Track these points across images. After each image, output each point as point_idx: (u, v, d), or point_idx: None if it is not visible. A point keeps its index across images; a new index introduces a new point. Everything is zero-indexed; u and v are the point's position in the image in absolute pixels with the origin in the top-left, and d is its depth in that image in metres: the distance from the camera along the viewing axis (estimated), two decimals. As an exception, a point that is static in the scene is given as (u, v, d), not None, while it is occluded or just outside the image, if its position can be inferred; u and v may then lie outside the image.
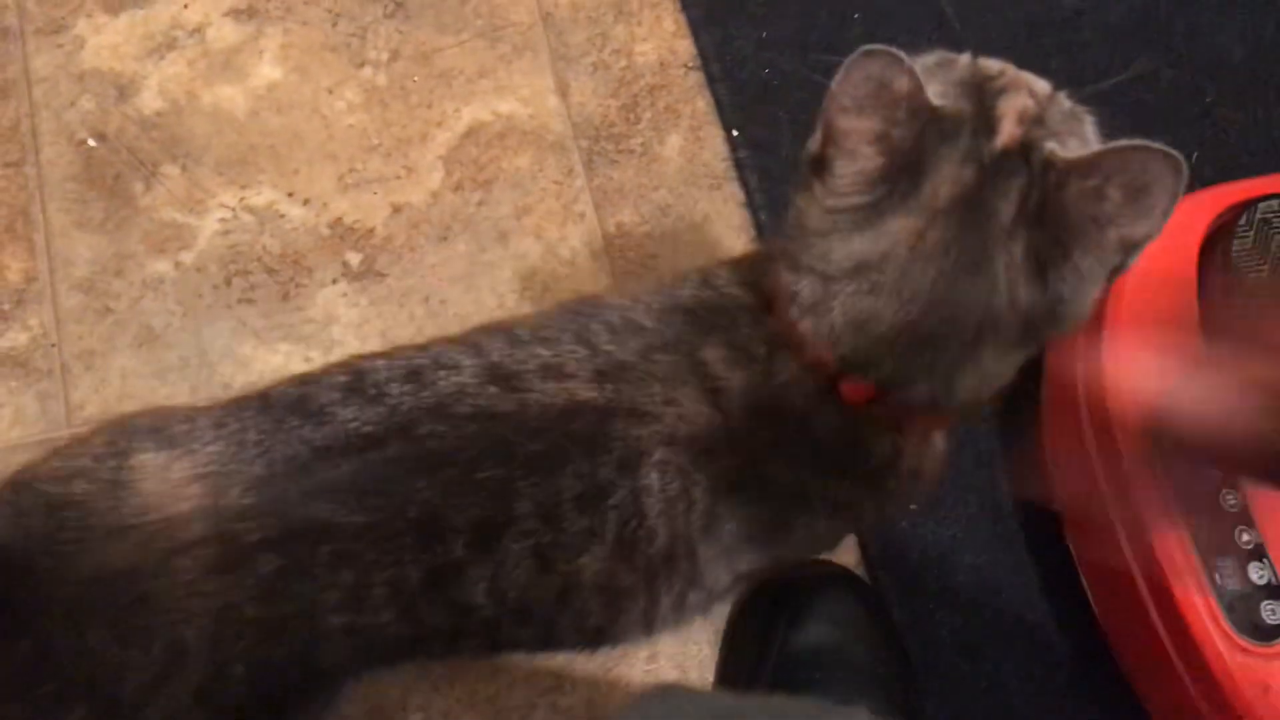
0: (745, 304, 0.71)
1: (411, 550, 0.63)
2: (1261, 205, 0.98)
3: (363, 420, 0.64)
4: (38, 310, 1.02)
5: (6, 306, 1.02)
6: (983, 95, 0.65)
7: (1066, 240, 0.62)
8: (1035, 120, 0.64)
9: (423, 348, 0.70)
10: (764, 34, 1.21)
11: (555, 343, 0.69)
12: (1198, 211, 0.98)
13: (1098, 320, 0.94)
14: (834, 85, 0.63)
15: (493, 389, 0.66)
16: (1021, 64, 1.25)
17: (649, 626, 0.70)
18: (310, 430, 0.64)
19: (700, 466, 0.67)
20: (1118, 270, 0.65)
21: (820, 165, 0.65)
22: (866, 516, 0.76)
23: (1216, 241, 0.97)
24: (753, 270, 0.73)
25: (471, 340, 0.70)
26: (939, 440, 0.76)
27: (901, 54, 0.62)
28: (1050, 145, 0.63)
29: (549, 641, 0.73)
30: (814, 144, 0.66)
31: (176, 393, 1.00)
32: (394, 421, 0.65)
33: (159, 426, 0.65)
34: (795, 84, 1.19)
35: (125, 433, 0.65)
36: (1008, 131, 0.63)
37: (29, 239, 1.04)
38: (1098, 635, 0.97)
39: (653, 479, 0.66)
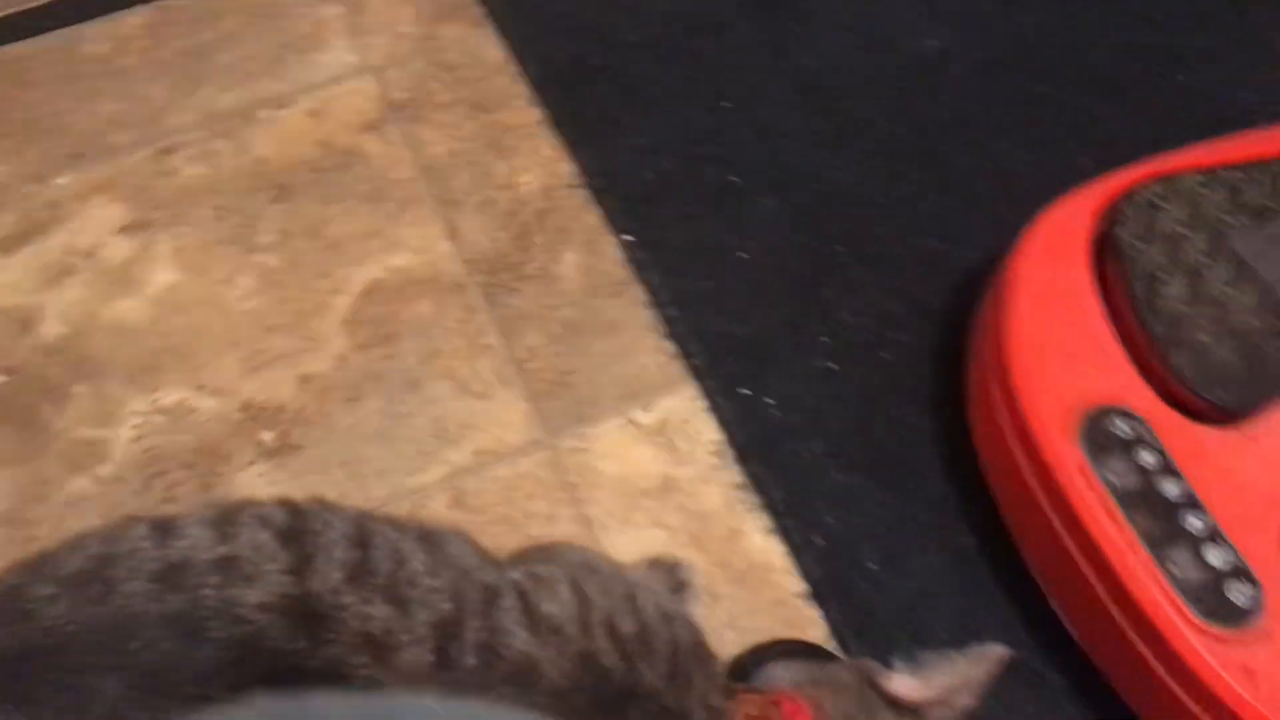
0: None
1: None
2: (1143, 190, 0.97)
3: (65, 619, 0.57)
4: (-35, 553, 1.02)
5: (-64, 556, 1.02)
6: None
7: None
8: None
9: (231, 525, 0.62)
10: (639, 140, 1.23)
11: None
12: (1079, 211, 0.98)
13: (999, 339, 0.92)
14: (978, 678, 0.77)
15: (281, 623, 0.58)
16: (900, 111, 1.27)
17: None
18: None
19: None
20: None
21: None
22: None
23: (1108, 237, 0.96)
24: None
25: (325, 538, 0.64)
26: None
27: None
28: None
29: None
30: (911, 693, 0.77)
31: (110, 606, 0.99)
32: (103, 625, 0.57)
33: None
34: (678, 179, 1.20)
35: None
36: None
37: (-50, 485, 1.05)
38: (1087, 658, 0.92)
39: None
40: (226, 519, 0.63)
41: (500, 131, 1.25)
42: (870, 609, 0.98)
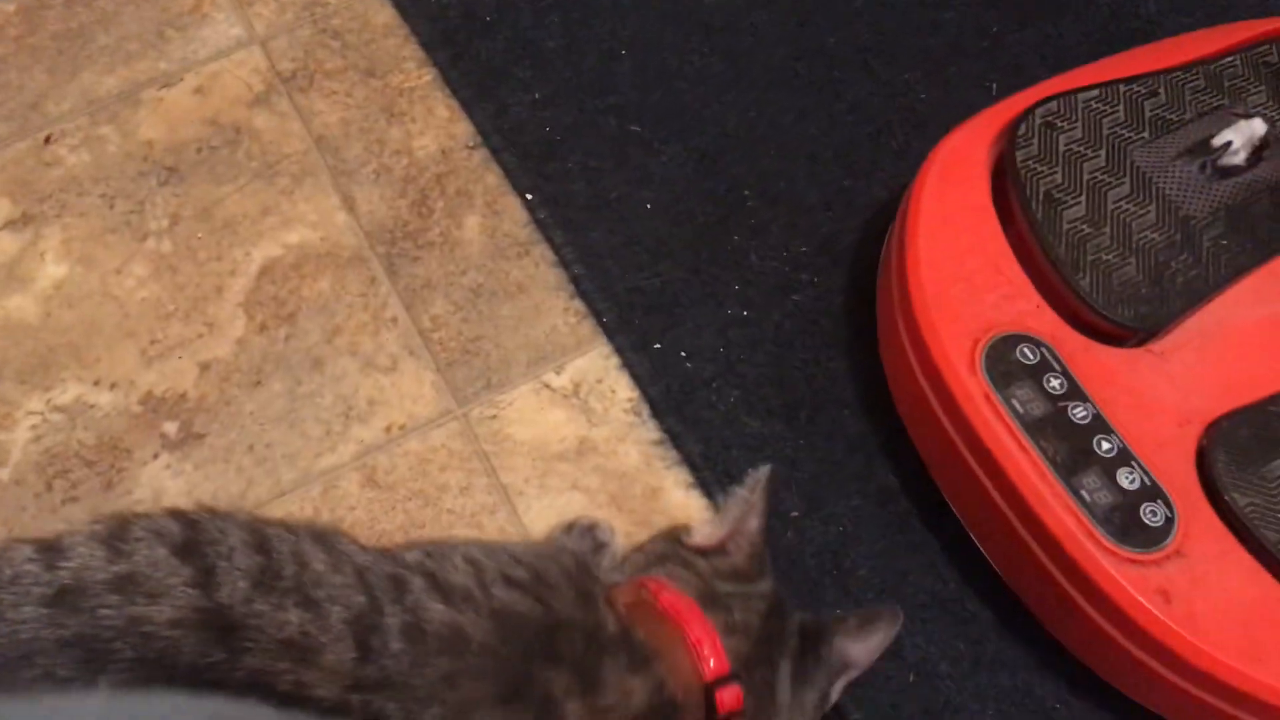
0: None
1: None
2: (1039, 110, 0.95)
3: None
4: None
5: None
6: None
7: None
8: None
9: (121, 544, 0.59)
10: (536, 95, 1.19)
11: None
12: (977, 137, 0.96)
13: (902, 273, 0.90)
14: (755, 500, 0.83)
15: (198, 636, 0.57)
16: (801, 46, 1.24)
17: None
18: None
19: None
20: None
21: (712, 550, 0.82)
22: None
23: (1004, 160, 0.94)
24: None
25: (232, 543, 0.62)
26: None
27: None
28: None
29: None
30: (709, 540, 0.83)
31: (17, 614, 0.96)
32: None
33: None
34: (578, 134, 1.17)
35: None
36: None
37: None
38: (1011, 590, 0.91)
39: None
40: (117, 535, 0.61)
41: (393, 96, 1.21)
42: (797, 556, 0.97)
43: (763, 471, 0.84)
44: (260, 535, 0.64)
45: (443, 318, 1.09)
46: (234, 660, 0.57)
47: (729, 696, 0.72)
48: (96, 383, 1.06)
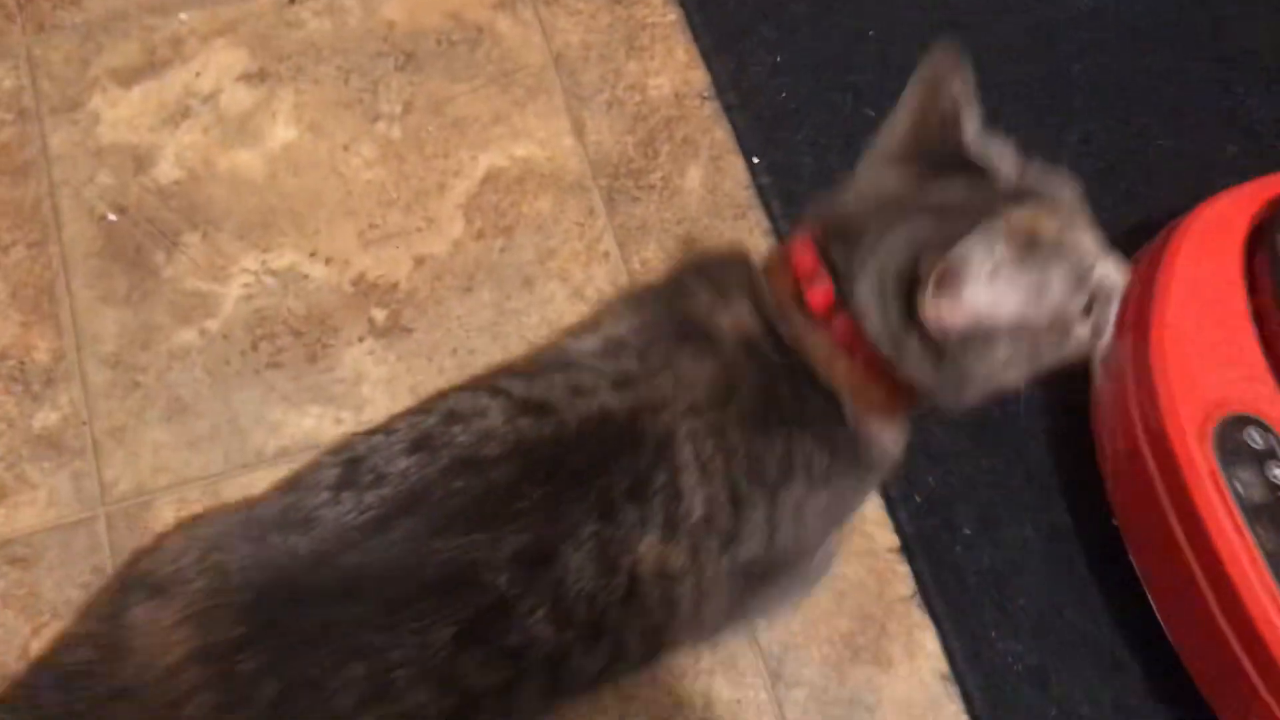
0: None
1: (433, 614, 0.61)
2: (1303, 196, 0.95)
3: (360, 508, 0.63)
4: (67, 388, 1.01)
5: (37, 387, 1.02)
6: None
7: None
8: None
9: (426, 408, 0.69)
10: (778, 58, 1.19)
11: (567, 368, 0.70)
12: (1236, 210, 0.96)
13: (1144, 331, 0.91)
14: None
15: (524, 421, 0.66)
16: (1043, 65, 1.22)
17: (699, 604, 0.69)
18: (297, 538, 0.63)
19: (722, 414, 0.68)
20: None
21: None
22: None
23: (1260, 238, 0.94)
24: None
25: (485, 383, 0.70)
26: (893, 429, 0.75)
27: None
28: None
29: (616, 658, 0.69)
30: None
31: (210, 462, 0.99)
32: (400, 498, 0.63)
33: (148, 572, 0.64)
34: (813, 106, 1.17)
35: (123, 587, 0.65)
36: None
37: (55, 317, 1.04)
38: (1170, 650, 0.94)
39: (686, 453, 0.66)
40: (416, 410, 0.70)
41: (636, 27, 1.21)
42: (959, 572, 0.99)
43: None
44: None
45: (653, 263, 1.10)
46: (544, 416, 0.67)
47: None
48: (312, 254, 1.08)
